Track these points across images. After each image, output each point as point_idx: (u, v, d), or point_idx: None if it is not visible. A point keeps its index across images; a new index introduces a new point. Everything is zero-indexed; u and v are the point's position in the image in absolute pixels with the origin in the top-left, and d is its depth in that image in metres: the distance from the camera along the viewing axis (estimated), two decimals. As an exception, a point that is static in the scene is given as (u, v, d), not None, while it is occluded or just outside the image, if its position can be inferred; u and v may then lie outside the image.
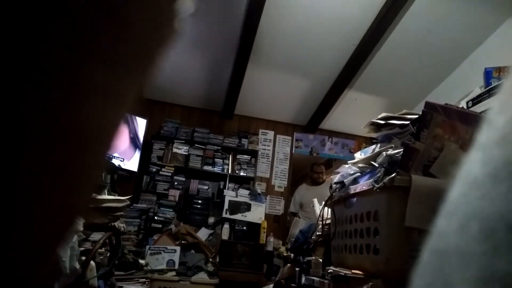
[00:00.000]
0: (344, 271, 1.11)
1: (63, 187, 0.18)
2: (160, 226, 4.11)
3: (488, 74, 1.69)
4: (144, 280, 2.89)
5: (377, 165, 1.09)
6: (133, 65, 0.19)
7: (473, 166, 0.17)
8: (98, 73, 0.17)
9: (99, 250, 1.67)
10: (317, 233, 1.63)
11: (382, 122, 1.22)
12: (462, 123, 1.02)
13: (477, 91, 1.68)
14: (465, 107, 1.68)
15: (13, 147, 0.15)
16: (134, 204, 4.02)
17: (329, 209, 1.50)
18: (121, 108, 0.20)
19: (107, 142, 0.19)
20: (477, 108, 1.55)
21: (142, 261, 3.07)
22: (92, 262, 1.56)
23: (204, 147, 4.76)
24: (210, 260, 3.52)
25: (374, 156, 1.16)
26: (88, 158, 0.19)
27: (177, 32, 0.21)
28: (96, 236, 1.69)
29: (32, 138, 0.16)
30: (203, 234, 3.99)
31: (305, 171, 4.86)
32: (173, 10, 0.20)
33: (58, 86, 0.16)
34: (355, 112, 4.74)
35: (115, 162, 3.88)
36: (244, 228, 4.32)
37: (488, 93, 1.54)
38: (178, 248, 3.41)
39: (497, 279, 0.14)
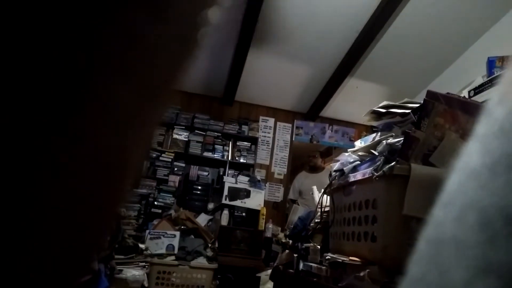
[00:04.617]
0: (342, 258, 1.13)
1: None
2: (160, 211, 4.14)
3: (491, 64, 1.68)
4: (143, 264, 2.92)
5: (377, 154, 1.09)
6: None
7: (471, 157, 0.17)
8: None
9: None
10: (316, 220, 1.64)
11: (383, 110, 1.21)
12: (463, 112, 1.01)
13: (479, 80, 1.67)
14: (467, 96, 1.67)
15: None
16: (134, 190, 4.04)
17: (328, 197, 1.51)
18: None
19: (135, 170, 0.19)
20: (479, 98, 1.54)
21: (142, 246, 3.09)
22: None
23: (204, 133, 4.75)
24: (209, 245, 3.55)
25: (374, 145, 1.16)
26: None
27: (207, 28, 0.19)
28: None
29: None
30: (202, 219, 4.02)
31: (305, 159, 4.88)
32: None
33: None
34: (356, 100, 4.72)
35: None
36: (243, 214, 4.35)
37: (490, 82, 1.53)
38: (177, 233, 3.44)
39: (493, 269, 0.14)
